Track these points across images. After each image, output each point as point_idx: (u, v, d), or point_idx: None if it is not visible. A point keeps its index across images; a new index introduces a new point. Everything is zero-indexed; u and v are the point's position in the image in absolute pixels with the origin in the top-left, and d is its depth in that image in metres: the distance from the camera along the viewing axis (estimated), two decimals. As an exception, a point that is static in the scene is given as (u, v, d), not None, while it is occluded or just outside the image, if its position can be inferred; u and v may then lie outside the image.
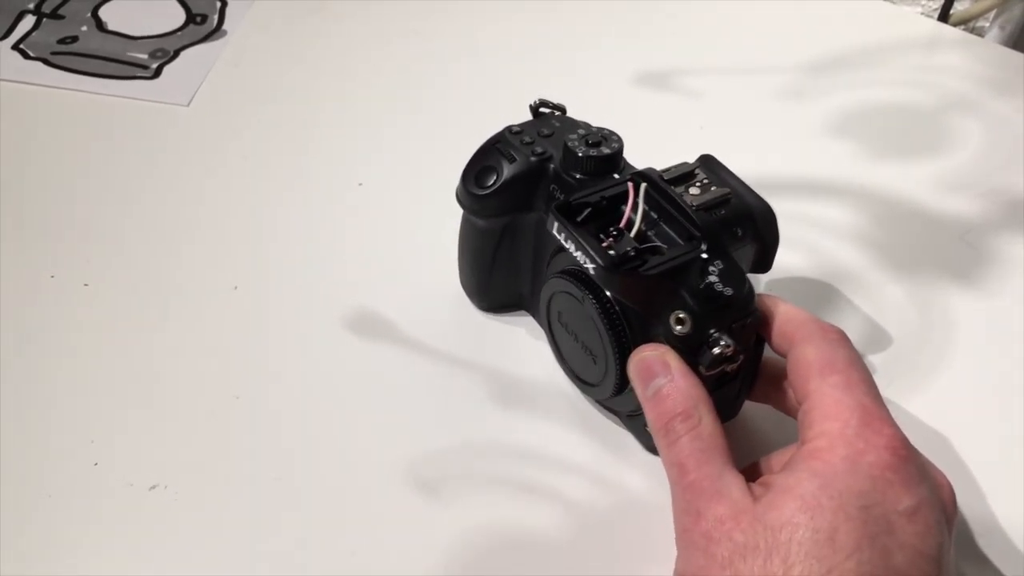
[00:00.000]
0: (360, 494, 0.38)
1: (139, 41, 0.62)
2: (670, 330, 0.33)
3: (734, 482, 0.31)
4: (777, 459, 0.34)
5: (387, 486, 0.38)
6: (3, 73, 0.59)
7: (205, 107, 0.57)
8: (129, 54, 0.61)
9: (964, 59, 0.64)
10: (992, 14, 0.76)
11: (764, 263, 0.38)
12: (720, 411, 0.33)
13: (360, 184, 0.52)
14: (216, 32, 0.63)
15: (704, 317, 0.33)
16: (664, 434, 0.32)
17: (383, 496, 0.38)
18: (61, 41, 0.62)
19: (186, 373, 0.42)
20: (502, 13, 0.66)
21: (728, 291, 0.34)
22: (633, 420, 0.39)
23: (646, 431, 0.34)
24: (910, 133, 0.58)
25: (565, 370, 0.41)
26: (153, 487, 0.37)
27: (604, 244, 0.35)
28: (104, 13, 0.64)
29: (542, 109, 0.42)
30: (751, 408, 0.38)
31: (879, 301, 0.46)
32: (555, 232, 0.37)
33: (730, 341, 0.33)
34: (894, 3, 0.72)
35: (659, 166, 0.38)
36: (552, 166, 0.39)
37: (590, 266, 0.35)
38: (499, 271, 0.43)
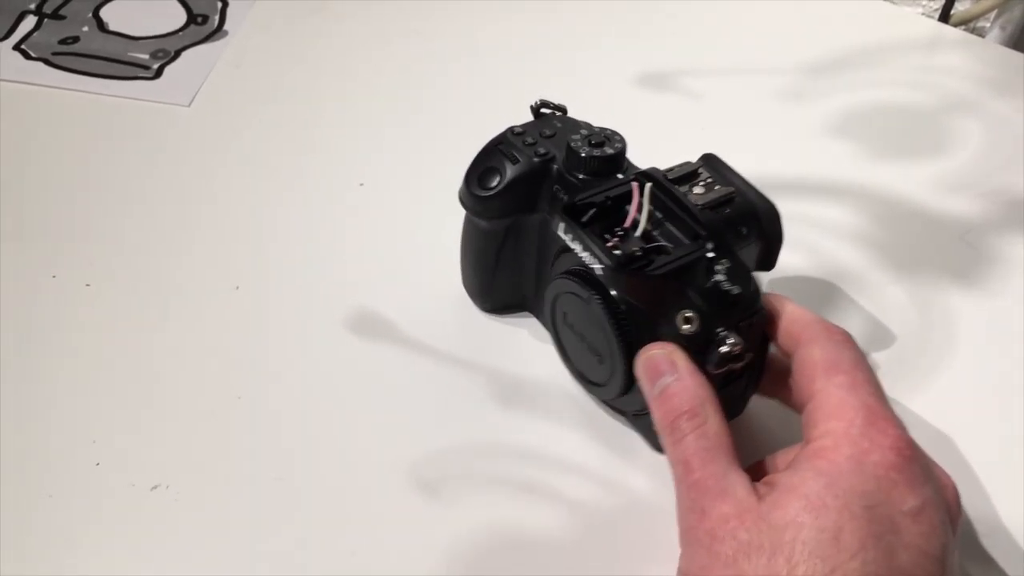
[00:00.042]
0: (361, 494, 0.38)
1: (140, 41, 0.62)
2: (677, 329, 0.33)
3: (739, 481, 0.31)
4: (781, 458, 0.34)
5: (388, 486, 0.38)
6: (4, 73, 0.59)
7: (206, 107, 0.57)
8: (130, 54, 0.61)
9: (965, 59, 0.64)
10: (993, 14, 0.76)
11: (768, 261, 0.38)
12: (725, 409, 0.33)
13: (361, 184, 0.52)
14: (217, 32, 0.63)
15: (711, 316, 0.33)
16: (670, 432, 0.33)
17: (384, 496, 0.38)
18: (62, 41, 0.62)
19: (187, 373, 0.42)
20: (502, 13, 0.66)
21: (735, 290, 0.34)
22: (639, 419, 0.39)
23: (652, 430, 0.34)
24: (911, 133, 0.58)
25: (571, 370, 0.41)
26: (155, 487, 0.37)
27: (609, 244, 0.35)
28: (105, 13, 0.64)
29: (543, 110, 0.42)
30: (756, 407, 0.38)
31: (880, 301, 0.46)
32: (562, 233, 0.37)
33: (738, 339, 0.33)
34: (895, 3, 0.72)
35: (660, 166, 0.38)
36: (555, 167, 0.39)
37: (597, 266, 0.35)
38: (502, 272, 0.43)
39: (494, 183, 0.40)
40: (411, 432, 0.40)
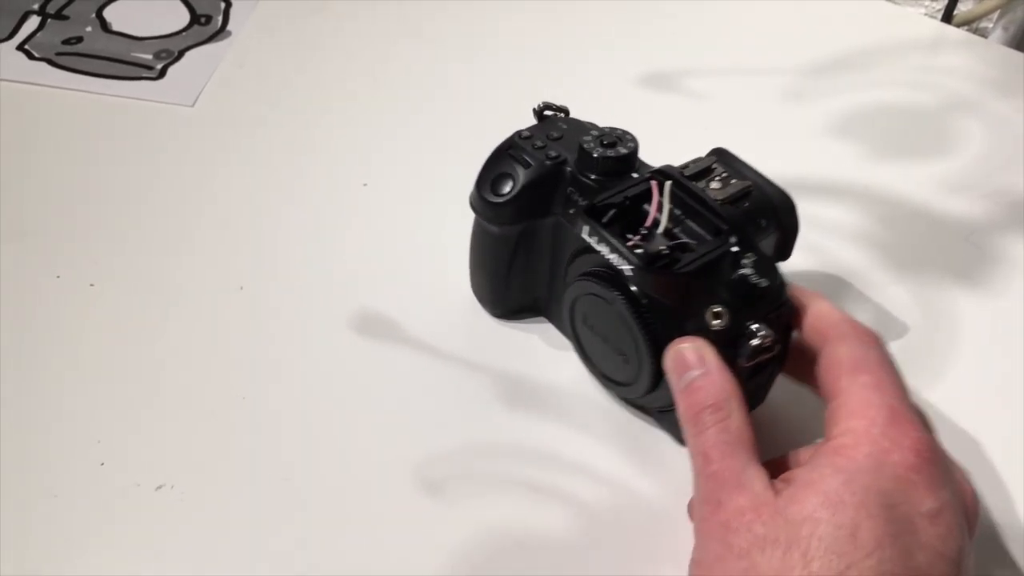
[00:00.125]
0: (366, 494, 0.38)
1: (143, 42, 0.62)
2: (705, 325, 0.33)
3: (757, 476, 0.31)
4: (803, 455, 0.34)
5: (393, 486, 0.38)
6: (8, 74, 0.59)
7: (209, 108, 0.57)
8: (133, 55, 0.61)
9: (967, 60, 0.64)
10: (996, 15, 0.76)
11: (784, 251, 0.39)
12: (748, 399, 0.33)
13: (365, 184, 0.52)
14: (220, 33, 0.63)
15: (741, 310, 0.34)
16: (693, 424, 0.33)
17: (389, 496, 0.38)
18: (66, 42, 0.62)
19: (191, 373, 0.42)
20: (504, 13, 0.66)
21: (763, 282, 0.34)
22: (664, 415, 0.39)
23: (676, 425, 0.34)
24: (914, 134, 0.58)
25: (592, 372, 0.41)
26: (160, 487, 0.37)
27: (630, 244, 0.35)
28: (109, 14, 0.64)
29: (546, 112, 0.42)
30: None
31: (883, 301, 0.46)
32: (586, 236, 0.37)
33: (770, 332, 0.33)
34: (898, 4, 0.72)
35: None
36: (568, 169, 0.39)
37: (626, 267, 0.35)
38: (514, 278, 0.42)
39: (507, 189, 0.39)
40: (415, 433, 0.40)
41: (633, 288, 0.35)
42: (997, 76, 0.62)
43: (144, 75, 0.59)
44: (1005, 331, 0.46)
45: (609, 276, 0.36)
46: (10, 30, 0.62)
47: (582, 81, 0.60)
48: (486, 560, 0.36)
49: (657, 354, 0.35)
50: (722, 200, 0.36)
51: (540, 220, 0.40)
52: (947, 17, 0.71)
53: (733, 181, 0.37)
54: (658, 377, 0.35)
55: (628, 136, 0.39)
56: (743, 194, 0.37)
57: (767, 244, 0.37)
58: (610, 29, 0.66)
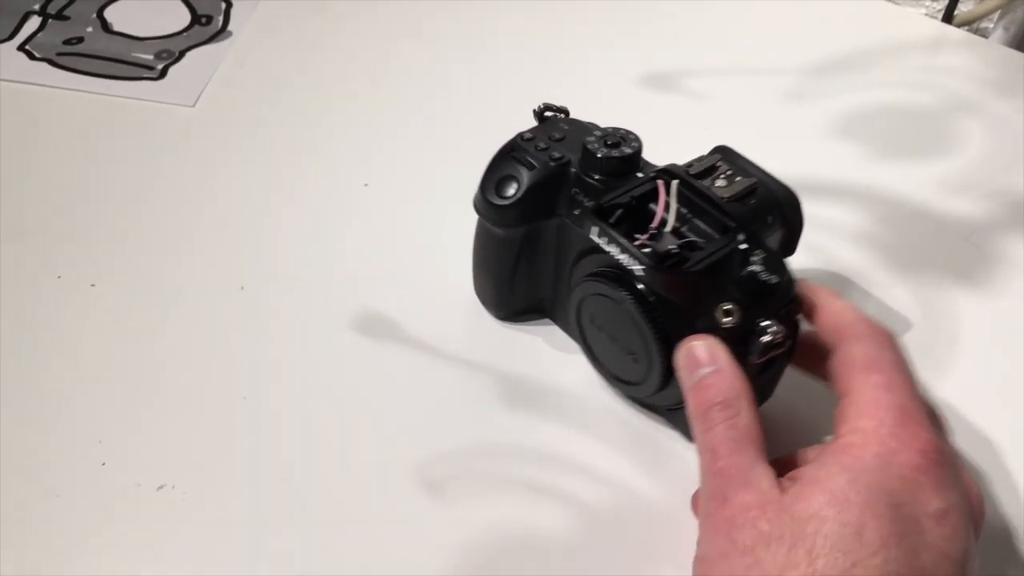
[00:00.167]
0: (367, 494, 0.38)
1: (144, 42, 0.62)
2: (716, 323, 0.33)
3: (764, 473, 0.31)
4: (809, 454, 0.34)
5: (394, 487, 0.38)
6: (9, 74, 0.59)
7: (210, 108, 0.57)
8: (134, 55, 0.61)
9: (968, 60, 0.64)
10: (996, 15, 0.76)
11: (790, 247, 0.39)
12: (756, 394, 0.33)
13: (366, 184, 0.52)
14: (221, 33, 0.63)
15: (752, 307, 0.34)
16: (702, 420, 0.33)
17: (390, 497, 0.38)
18: (67, 42, 0.62)
19: (193, 373, 0.42)
20: (504, 13, 0.66)
21: (773, 279, 0.34)
22: (673, 413, 0.39)
23: (686, 422, 0.34)
24: (914, 134, 0.58)
25: (600, 372, 0.41)
26: (161, 487, 0.37)
27: (637, 243, 0.35)
28: (110, 14, 0.65)
29: (547, 113, 0.42)
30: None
31: (884, 301, 0.46)
32: (596, 237, 0.37)
33: (781, 328, 0.33)
34: (898, 4, 0.72)
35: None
36: (572, 170, 0.39)
37: (637, 267, 0.35)
38: (519, 280, 0.42)
39: (512, 191, 0.39)
40: (416, 433, 0.40)
41: (644, 288, 0.35)
42: (998, 76, 0.62)
43: (145, 75, 0.59)
44: (1005, 331, 0.46)
45: (617, 276, 0.36)
46: (11, 30, 0.62)
47: (582, 81, 0.60)
48: (487, 560, 0.36)
49: (668, 353, 0.35)
50: (728, 198, 0.36)
51: (544, 222, 0.40)
52: (947, 17, 0.71)
53: (738, 178, 0.37)
54: (668, 375, 0.36)
55: (631, 136, 0.39)
56: (749, 191, 0.37)
57: (773, 240, 0.38)
58: (610, 29, 0.66)
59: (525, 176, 0.39)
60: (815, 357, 0.36)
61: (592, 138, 0.39)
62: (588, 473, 0.39)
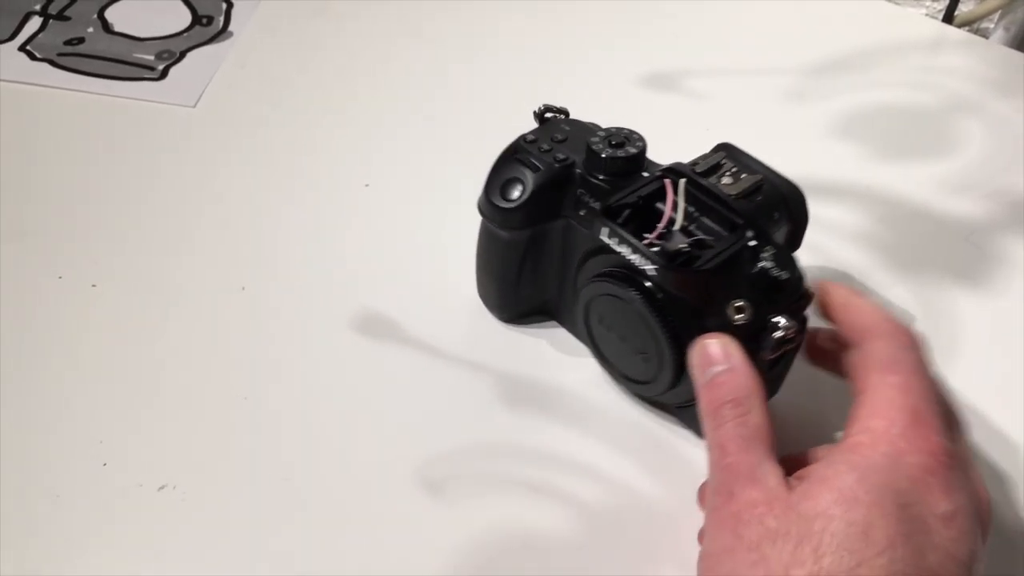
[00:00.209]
0: (368, 495, 0.38)
1: (145, 42, 0.62)
2: (727, 320, 0.34)
3: (772, 471, 0.31)
4: (819, 454, 0.34)
5: (395, 487, 0.38)
6: (10, 74, 0.59)
7: (211, 108, 0.57)
8: (135, 55, 0.61)
9: (968, 60, 0.64)
10: (997, 15, 0.76)
11: (795, 242, 0.39)
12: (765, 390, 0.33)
13: (367, 185, 0.52)
14: (222, 33, 0.64)
15: (763, 303, 0.34)
16: (713, 417, 0.33)
17: (391, 497, 0.38)
18: (67, 42, 0.62)
19: (194, 374, 0.42)
20: (504, 13, 0.66)
21: (784, 275, 0.34)
22: (683, 410, 0.39)
23: (696, 419, 0.35)
24: (915, 134, 0.58)
25: (609, 372, 0.41)
26: (162, 487, 0.37)
27: (645, 242, 0.36)
28: (110, 14, 0.65)
29: (547, 115, 0.42)
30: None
31: (885, 302, 0.46)
32: (606, 238, 0.37)
33: (793, 323, 0.33)
34: (899, 4, 0.72)
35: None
36: (577, 171, 0.39)
37: (650, 267, 0.35)
38: (524, 282, 0.42)
39: (517, 194, 0.39)
40: (416, 434, 0.40)
41: (655, 287, 0.35)
42: (998, 76, 0.62)
43: (146, 76, 0.59)
44: (1005, 331, 0.46)
45: (627, 276, 0.36)
46: (12, 31, 0.63)
47: (582, 81, 0.60)
48: (487, 561, 0.36)
49: (680, 352, 0.35)
50: (736, 195, 0.36)
51: (550, 223, 0.40)
52: (948, 17, 0.72)
53: (743, 176, 0.37)
54: (679, 374, 0.36)
55: (635, 135, 0.39)
56: (755, 188, 0.37)
57: (778, 236, 0.38)
58: (610, 29, 0.66)
59: (530, 178, 0.39)
60: (835, 355, 0.36)
61: (596, 138, 0.39)
62: (588, 473, 0.39)
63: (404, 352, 0.43)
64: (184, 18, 0.65)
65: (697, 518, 0.35)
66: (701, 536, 0.35)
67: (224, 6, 0.66)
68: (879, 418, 0.31)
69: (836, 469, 0.30)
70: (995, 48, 0.69)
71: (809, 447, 0.35)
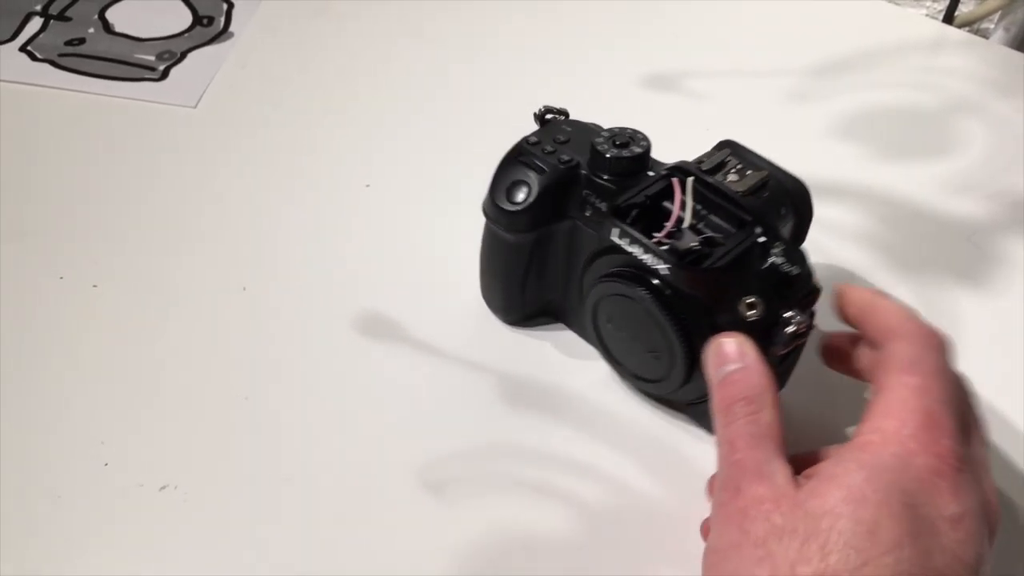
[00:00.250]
0: (369, 495, 0.38)
1: (146, 43, 0.62)
2: (739, 316, 0.34)
3: (780, 469, 0.31)
4: (829, 453, 0.34)
5: (396, 488, 0.38)
6: (10, 75, 0.59)
7: (212, 109, 0.57)
8: (136, 56, 0.61)
9: (969, 61, 0.64)
10: (997, 16, 0.76)
11: (800, 237, 0.39)
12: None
13: (368, 185, 0.52)
14: (223, 34, 0.64)
15: (775, 299, 0.34)
16: (724, 414, 0.33)
17: (392, 498, 0.38)
18: (68, 43, 0.62)
19: (195, 374, 0.42)
20: (505, 14, 0.66)
21: (795, 270, 0.34)
22: (694, 408, 0.39)
23: (707, 415, 0.34)
24: (915, 135, 0.58)
25: (619, 371, 0.41)
26: (163, 488, 0.37)
27: (654, 240, 0.36)
28: (111, 15, 0.65)
29: (547, 116, 0.42)
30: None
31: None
32: (616, 239, 0.37)
33: (804, 317, 0.34)
34: (899, 5, 0.72)
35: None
36: (582, 172, 0.39)
37: (663, 266, 0.35)
38: (529, 284, 0.42)
39: (523, 196, 0.39)
40: (418, 434, 0.40)
41: (667, 286, 0.35)
42: (998, 77, 0.62)
43: (146, 76, 0.60)
44: (1006, 331, 0.46)
45: (636, 276, 0.36)
46: (12, 31, 0.63)
47: (582, 81, 0.60)
48: (488, 561, 0.36)
49: (691, 350, 0.35)
50: (743, 192, 0.36)
51: (555, 225, 0.40)
52: (948, 18, 0.72)
53: (749, 172, 0.37)
54: (691, 372, 0.36)
55: (639, 135, 0.39)
56: (761, 184, 0.37)
57: (785, 231, 0.38)
58: (610, 29, 0.66)
59: (535, 180, 0.39)
60: (851, 357, 0.36)
61: (601, 139, 0.39)
62: (589, 474, 0.39)
63: (405, 353, 0.43)
64: (185, 19, 0.65)
65: (699, 519, 0.35)
66: (704, 528, 0.35)
67: (225, 6, 0.66)
68: (891, 418, 0.31)
69: (845, 467, 0.30)
70: (995, 48, 0.69)
71: (818, 447, 0.35)
